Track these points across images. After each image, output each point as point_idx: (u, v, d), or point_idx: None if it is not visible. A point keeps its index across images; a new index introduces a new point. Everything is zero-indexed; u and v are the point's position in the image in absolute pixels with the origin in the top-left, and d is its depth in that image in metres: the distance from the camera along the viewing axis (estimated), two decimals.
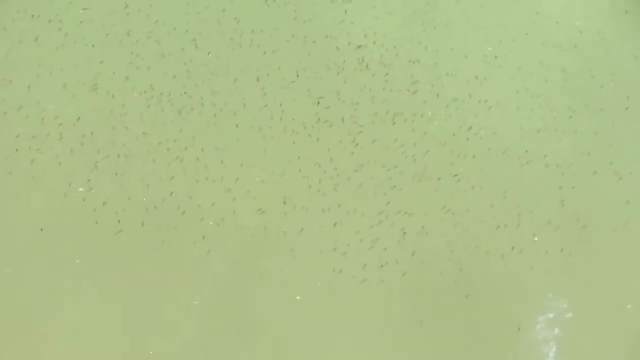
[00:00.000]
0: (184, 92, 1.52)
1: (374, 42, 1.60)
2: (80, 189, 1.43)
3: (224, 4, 1.60)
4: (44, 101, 1.49)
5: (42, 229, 1.41)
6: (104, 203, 1.43)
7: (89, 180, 1.44)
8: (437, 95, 1.56)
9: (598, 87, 1.59)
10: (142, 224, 1.42)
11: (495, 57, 1.61)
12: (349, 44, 1.59)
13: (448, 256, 1.43)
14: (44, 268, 1.39)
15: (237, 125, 1.51)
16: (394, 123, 1.53)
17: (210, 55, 1.55)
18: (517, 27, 1.64)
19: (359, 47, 1.59)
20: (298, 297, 1.40)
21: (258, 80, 1.54)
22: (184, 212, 1.44)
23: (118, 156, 1.46)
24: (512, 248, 1.45)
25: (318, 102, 1.54)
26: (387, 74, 1.57)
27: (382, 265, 1.43)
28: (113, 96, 1.50)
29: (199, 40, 1.56)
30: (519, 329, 1.40)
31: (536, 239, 1.45)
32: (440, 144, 1.52)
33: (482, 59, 1.60)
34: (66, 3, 1.55)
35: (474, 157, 1.51)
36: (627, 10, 1.67)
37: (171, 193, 1.45)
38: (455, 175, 1.49)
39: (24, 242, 1.41)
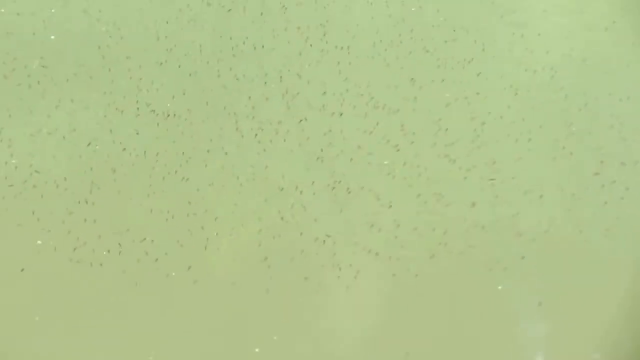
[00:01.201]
0: (156, 136, 1.49)
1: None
2: (55, 232, 1.45)
3: (204, 29, 1.56)
4: (17, 148, 1.48)
5: (22, 270, 1.44)
6: (75, 249, 1.44)
7: (63, 222, 1.45)
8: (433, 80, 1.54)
9: None
10: (123, 271, 1.44)
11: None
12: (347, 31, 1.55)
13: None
14: (25, 307, 1.42)
15: (206, 166, 1.49)
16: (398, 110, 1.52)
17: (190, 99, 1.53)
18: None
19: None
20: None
21: (236, 119, 1.51)
22: (156, 258, 1.44)
23: (86, 202, 1.46)
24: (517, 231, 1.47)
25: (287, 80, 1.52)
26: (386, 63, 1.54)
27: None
28: (89, 144, 1.48)
29: (176, 84, 1.53)
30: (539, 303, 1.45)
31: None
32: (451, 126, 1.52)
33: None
34: (34, 41, 1.51)
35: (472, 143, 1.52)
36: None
37: (144, 239, 1.45)
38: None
39: (5, 282, 1.44)
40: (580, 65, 1.56)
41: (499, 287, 1.44)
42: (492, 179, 1.49)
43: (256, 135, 1.50)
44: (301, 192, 1.47)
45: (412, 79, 1.53)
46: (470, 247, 1.46)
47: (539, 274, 1.45)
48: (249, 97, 1.51)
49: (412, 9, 1.56)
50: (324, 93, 1.53)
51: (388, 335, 1.42)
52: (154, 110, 1.49)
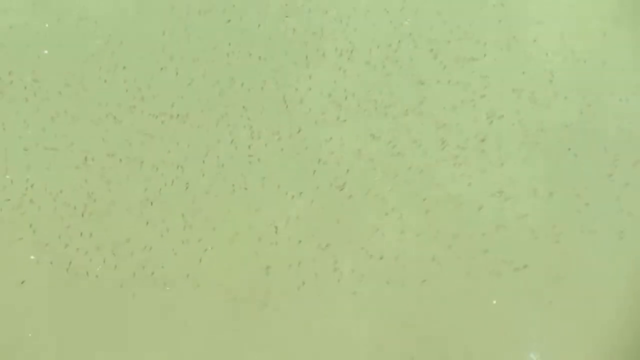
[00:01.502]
0: (151, 147, 1.47)
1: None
2: (52, 245, 1.42)
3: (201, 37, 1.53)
4: (13, 162, 1.47)
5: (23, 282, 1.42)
6: (71, 262, 1.41)
7: (59, 237, 1.42)
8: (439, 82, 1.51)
9: None
10: (120, 285, 1.41)
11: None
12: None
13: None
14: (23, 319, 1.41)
15: (203, 175, 1.46)
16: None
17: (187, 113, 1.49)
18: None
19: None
20: None
21: (231, 129, 1.48)
22: (153, 271, 1.41)
23: (82, 215, 1.43)
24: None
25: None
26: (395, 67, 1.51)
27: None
28: (86, 158, 1.46)
29: (172, 94, 1.50)
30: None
31: None
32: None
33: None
34: (28, 54, 1.49)
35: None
36: None
37: (143, 248, 1.42)
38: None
39: (6, 294, 1.42)
40: (581, 67, 1.52)
41: (507, 291, 1.38)
42: (500, 192, 1.45)
43: (249, 146, 1.46)
44: (300, 199, 1.43)
45: (415, 82, 1.50)
46: (478, 250, 1.41)
47: (548, 276, 1.40)
48: (244, 107, 1.48)
49: (410, 15, 1.54)
50: (324, 100, 1.49)
51: (393, 340, 1.37)
52: (149, 121, 1.47)
